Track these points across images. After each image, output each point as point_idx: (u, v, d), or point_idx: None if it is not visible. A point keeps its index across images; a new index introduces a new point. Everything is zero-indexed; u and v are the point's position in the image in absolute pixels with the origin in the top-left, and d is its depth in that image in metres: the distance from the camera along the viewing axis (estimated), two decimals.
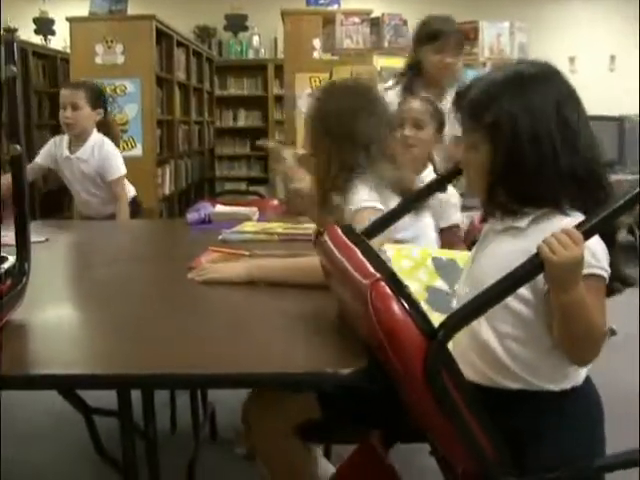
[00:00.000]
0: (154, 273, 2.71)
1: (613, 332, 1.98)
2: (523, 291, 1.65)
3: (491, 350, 1.72)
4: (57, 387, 2.04)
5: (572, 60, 11.30)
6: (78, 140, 4.44)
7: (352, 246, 1.85)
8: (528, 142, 1.68)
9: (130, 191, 4.60)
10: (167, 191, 7.59)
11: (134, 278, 2.62)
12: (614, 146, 7.60)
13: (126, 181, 4.54)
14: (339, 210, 2.55)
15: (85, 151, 4.41)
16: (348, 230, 1.97)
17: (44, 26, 10.22)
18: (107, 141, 4.46)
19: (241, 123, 11.27)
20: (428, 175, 3.59)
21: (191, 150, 8.85)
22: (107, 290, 2.47)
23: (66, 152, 4.46)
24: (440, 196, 3.43)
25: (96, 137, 4.46)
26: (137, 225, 4.07)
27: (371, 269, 1.68)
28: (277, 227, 3.22)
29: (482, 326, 1.71)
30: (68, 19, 6.97)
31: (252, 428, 2.32)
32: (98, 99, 4.55)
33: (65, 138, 4.50)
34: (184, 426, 3.53)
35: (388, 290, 1.60)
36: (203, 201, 4.07)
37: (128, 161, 4.59)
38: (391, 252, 2.31)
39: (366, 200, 2.47)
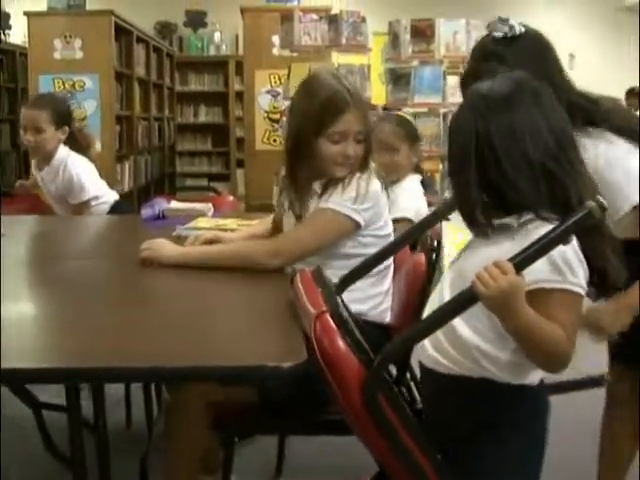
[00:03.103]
0: (105, 268, 2.72)
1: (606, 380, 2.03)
2: None
3: (459, 336, 1.76)
4: (3, 381, 2.04)
5: None
6: (44, 159, 4.19)
7: (315, 286, 1.96)
8: (459, 155, 1.77)
9: (110, 197, 4.29)
10: (126, 187, 7.57)
11: (85, 273, 2.62)
12: None
13: (106, 186, 4.31)
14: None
15: (51, 171, 4.15)
16: (317, 273, 2.08)
17: (2, 21, 10.14)
18: (72, 160, 4.14)
19: (202, 119, 11.26)
20: (410, 181, 3.62)
21: (151, 146, 8.83)
22: (57, 285, 2.46)
23: (35, 171, 4.27)
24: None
25: (61, 154, 4.15)
26: (91, 221, 4.04)
27: (320, 302, 1.79)
28: (231, 223, 3.23)
29: (458, 319, 1.75)
30: (26, 13, 6.93)
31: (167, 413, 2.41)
32: (63, 117, 4.22)
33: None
34: (139, 422, 3.54)
35: (332, 323, 1.70)
36: (158, 197, 4.05)
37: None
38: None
39: (342, 205, 2.44)
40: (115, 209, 4.24)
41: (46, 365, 1.72)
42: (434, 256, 2.55)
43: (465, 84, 2.32)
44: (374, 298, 2.50)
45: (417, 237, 2.57)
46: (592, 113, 2.28)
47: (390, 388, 1.69)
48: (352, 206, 2.43)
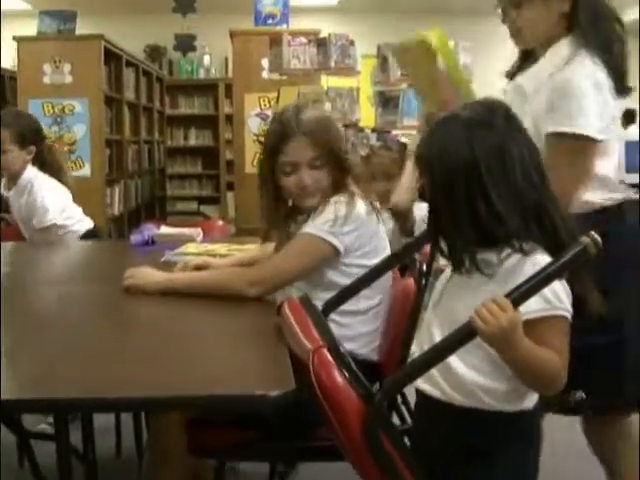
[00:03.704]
0: (92, 295, 2.70)
1: (582, 399, 2.02)
2: None
3: (454, 372, 1.76)
4: None
5: None
6: (11, 179, 4.08)
7: (306, 315, 1.97)
8: (443, 194, 1.74)
9: (83, 225, 4.14)
10: (116, 212, 7.56)
11: (71, 300, 2.60)
12: None
13: (80, 213, 4.15)
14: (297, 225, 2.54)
15: (17, 191, 4.04)
16: (306, 301, 2.08)
17: None
18: (39, 182, 4.02)
19: (192, 142, 11.28)
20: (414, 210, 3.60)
21: (141, 170, 8.82)
22: (42, 313, 2.46)
23: (4, 191, 4.15)
24: None
25: (28, 174, 4.03)
26: (80, 246, 4.02)
27: (316, 336, 1.80)
28: (220, 248, 3.22)
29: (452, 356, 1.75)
30: (15, 38, 6.94)
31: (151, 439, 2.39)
32: (27, 136, 4.06)
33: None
34: (130, 450, 3.51)
35: (329, 357, 1.71)
36: (147, 222, 4.04)
37: (76, 181, 4.45)
38: None
39: (319, 229, 2.41)
40: (86, 238, 4.11)
41: (33, 396, 1.70)
42: (424, 280, 2.53)
43: None
44: (365, 336, 2.47)
45: (401, 262, 2.54)
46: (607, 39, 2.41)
47: (390, 423, 1.71)
48: (330, 229, 2.39)
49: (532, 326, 1.65)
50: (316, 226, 2.41)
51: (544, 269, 1.63)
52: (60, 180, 4.15)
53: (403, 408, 2.50)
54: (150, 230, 3.66)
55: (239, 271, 2.59)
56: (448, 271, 1.88)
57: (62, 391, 1.70)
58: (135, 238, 3.62)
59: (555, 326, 1.69)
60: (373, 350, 2.49)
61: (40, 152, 4.12)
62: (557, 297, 1.68)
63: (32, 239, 4.09)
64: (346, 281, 2.40)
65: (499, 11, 2.56)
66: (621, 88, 2.41)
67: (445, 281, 1.88)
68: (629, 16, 10.99)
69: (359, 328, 2.45)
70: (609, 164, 2.43)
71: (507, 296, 1.59)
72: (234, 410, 1.99)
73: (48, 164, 4.15)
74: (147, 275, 2.58)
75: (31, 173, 4.06)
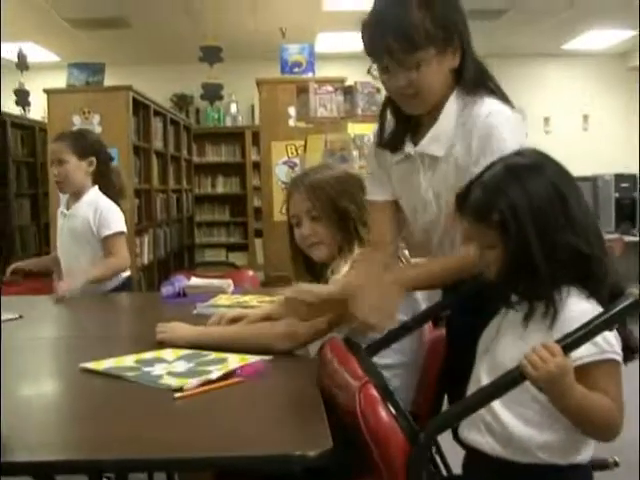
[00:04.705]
0: (124, 349, 2.68)
1: (616, 464, 2.00)
2: None
3: (505, 427, 1.75)
4: (32, 473, 2.02)
5: (547, 120, 11.49)
6: (76, 196, 4.11)
7: (349, 354, 1.98)
8: (536, 235, 1.73)
9: (125, 271, 4.17)
10: (146, 261, 7.59)
11: (102, 356, 2.59)
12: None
13: (125, 254, 4.13)
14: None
15: (79, 206, 4.06)
16: (350, 341, 2.10)
17: (23, 97, 10.31)
18: (104, 201, 4.07)
19: (220, 190, 11.33)
20: None
21: (170, 218, 8.87)
22: (77, 371, 2.45)
23: (63, 209, 4.16)
24: None
25: (93, 193, 4.08)
26: (113, 300, 4.01)
27: (361, 373, 1.81)
28: (251, 300, 3.22)
29: (497, 405, 1.75)
30: (45, 91, 7.03)
31: None
32: (86, 147, 4.09)
33: (66, 196, 4.19)
34: None
35: (375, 393, 1.72)
36: (178, 274, 4.04)
37: None
38: None
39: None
40: (124, 286, 4.16)
41: (71, 457, 1.69)
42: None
43: None
44: (400, 391, 2.41)
45: (436, 315, 2.53)
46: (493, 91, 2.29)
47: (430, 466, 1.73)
48: None
49: (583, 372, 1.65)
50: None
51: (595, 318, 1.64)
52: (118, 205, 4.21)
53: (437, 457, 2.48)
54: (181, 282, 3.67)
55: (268, 325, 2.57)
56: (498, 317, 1.88)
57: (95, 452, 1.69)
58: (166, 290, 3.62)
59: (607, 370, 1.69)
60: (407, 406, 2.46)
61: (103, 172, 4.16)
62: (606, 341, 1.69)
63: (69, 258, 4.13)
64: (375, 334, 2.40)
65: (374, 74, 2.33)
66: None
67: (496, 328, 1.88)
68: (636, 61, 11.05)
69: (394, 382, 2.42)
70: None
71: (557, 342, 1.60)
72: (273, 471, 1.96)
73: (111, 186, 4.20)
74: (179, 329, 2.59)
75: (97, 193, 4.10)
